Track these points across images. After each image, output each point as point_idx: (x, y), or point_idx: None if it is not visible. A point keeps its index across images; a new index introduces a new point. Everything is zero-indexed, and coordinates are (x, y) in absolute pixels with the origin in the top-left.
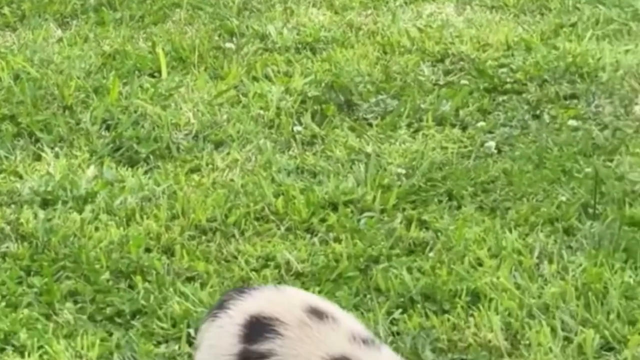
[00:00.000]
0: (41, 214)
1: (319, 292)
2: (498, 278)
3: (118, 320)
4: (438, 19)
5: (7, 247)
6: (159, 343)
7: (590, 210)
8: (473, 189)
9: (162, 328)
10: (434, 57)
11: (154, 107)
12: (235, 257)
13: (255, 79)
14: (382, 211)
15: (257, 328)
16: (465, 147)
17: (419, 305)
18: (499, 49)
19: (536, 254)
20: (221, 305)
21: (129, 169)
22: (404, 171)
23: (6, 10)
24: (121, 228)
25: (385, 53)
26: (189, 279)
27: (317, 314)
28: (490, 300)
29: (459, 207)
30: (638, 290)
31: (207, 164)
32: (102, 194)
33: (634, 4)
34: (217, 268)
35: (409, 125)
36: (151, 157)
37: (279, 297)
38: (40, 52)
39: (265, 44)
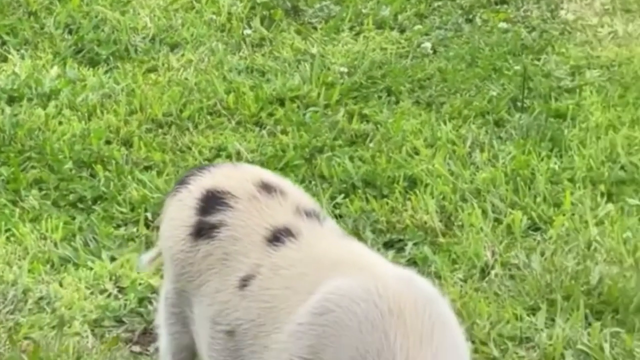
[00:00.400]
0: (8, 109)
1: None
2: (433, 165)
3: (80, 205)
4: None
5: None
6: (119, 226)
7: (519, 104)
8: (410, 86)
9: (121, 212)
10: None
11: (113, 12)
12: (190, 148)
13: None
14: (326, 106)
15: (211, 201)
16: (403, 48)
17: (360, 191)
18: None
19: (468, 143)
20: (183, 181)
21: (90, 69)
22: (346, 70)
23: None
24: (83, 122)
25: None
26: (146, 168)
27: (267, 188)
28: (426, 185)
29: (397, 102)
30: (562, 175)
31: (163, 64)
32: (65, 91)
33: None
34: (173, 158)
35: (351, 29)
36: (111, 58)
37: (234, 173)
38: None
39: None
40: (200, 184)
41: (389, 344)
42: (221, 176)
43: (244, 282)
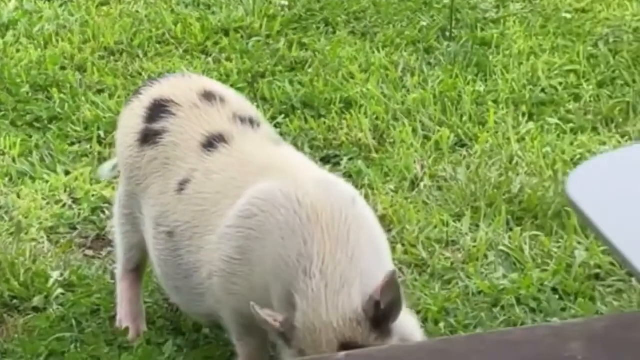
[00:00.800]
0: None
1: None
2: (367, 88)
3: (37, 125)
4: None
5: None
6: (73, 143)
7: (447, 34)
8: (346, 17)
9: (75, 131)
10: None
11: None
12: (140, 74)
13: None
14: (268, 36)
15: (157, 109)
16: None
17: (299, 111)
18: None
19: (400, 68)
20: (137, 92)
21: (46, 2)
22: (286, 3)
23: None
24: (39, 50)
25: None
26: (99, 91)
27: (208, 96)
28: (361, 106)
29: (334, 32)
30: (487, 97)
31: None
32: (23, 22)
33: None
34: (124, 82)
35: None
36: None
37: (181, 83)
38: None
39: None
40: (150, 93)
41: (308, 250)
42: (168, 86)
43: (181, 186)
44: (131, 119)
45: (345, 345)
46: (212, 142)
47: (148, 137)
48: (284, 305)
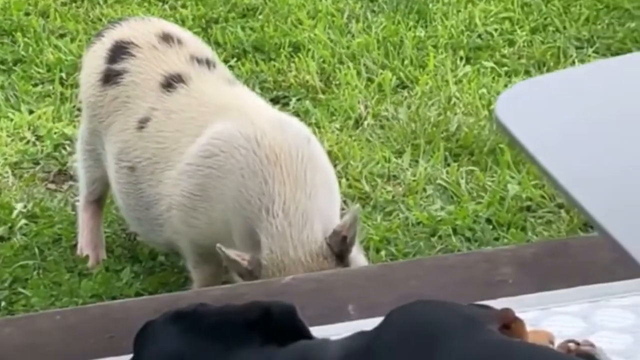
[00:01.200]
0: None
1: None
2: (315, 34)
3: (2, 67)
4: None
5: None
6: (36, 84)
7: None
8: None
9: (39, 73)
10: None
11: None
12: (100, 19)
13: None
14: None
15: (118, 51)
16: None
17: (250, 55)
18: None
19: (346, 15)
20: (99, 34)
21: None
22: None
23: None
24: None
25: None
26: (61, 35)
27: (166, 38)
28: (308, 50)
29: None
30: (427, 42)
31: None
32: None
33: None
34: (85, 27)
35: None
36: None
37: (141, 26)
38: None
39: None
40: (111, 35)
41: (269, 190)
42: (128, 28)
43: (141, 124)
44: (94, 60)
45: None
46: (170, 83)
47: (110, 77)
48: (247, 243)
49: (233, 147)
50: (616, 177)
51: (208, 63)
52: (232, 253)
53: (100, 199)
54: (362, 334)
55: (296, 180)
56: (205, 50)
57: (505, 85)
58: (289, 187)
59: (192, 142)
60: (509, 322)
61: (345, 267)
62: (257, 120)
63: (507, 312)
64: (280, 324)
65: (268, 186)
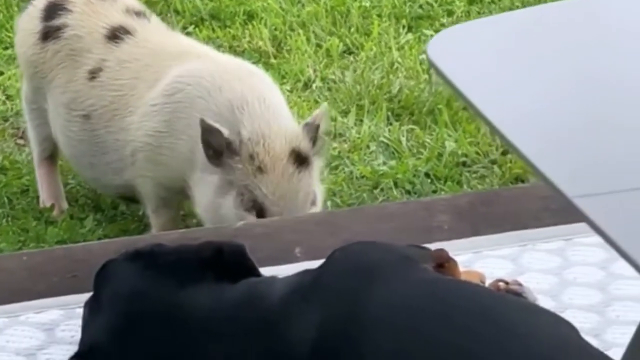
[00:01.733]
0: None
1: None
2: (268, 3)
3: None
4: None
5: None
6: (7, 48)
7: None
8: None
9: (8, 37)
10: None
11: None
12: None
13: None
14: None
15: (53, 8)
16: None
17: (207, 22)
18: None
19: None
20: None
21: None
22: None
23: None
24: None
25: None
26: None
27: None
28: (261, 18)
29: None
30: (372, 12)
31: None
32: None
33: None
34: None
35: None
36: None
37: None
38: None
39: None
40: None
41: (239, 98)
42: None
43: (93, 75)
44: (29, 22)
45: (296, 153)
46: (116, 34)
47: (49, 34)
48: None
49: (200, 78)
50: (545, 115)
51: (145, 15)
52: (215, 123)
53: (53, 155)
54: (306, 272)
55: (262, 95)
56: (137, 4)
57: None
58: (257, 95)
59: (152, 86)
60: (443, 262)
61: (310, 165)
62: (219, 60)
63: (441, 252)
64: (231, 262)
65: (237, 94)
